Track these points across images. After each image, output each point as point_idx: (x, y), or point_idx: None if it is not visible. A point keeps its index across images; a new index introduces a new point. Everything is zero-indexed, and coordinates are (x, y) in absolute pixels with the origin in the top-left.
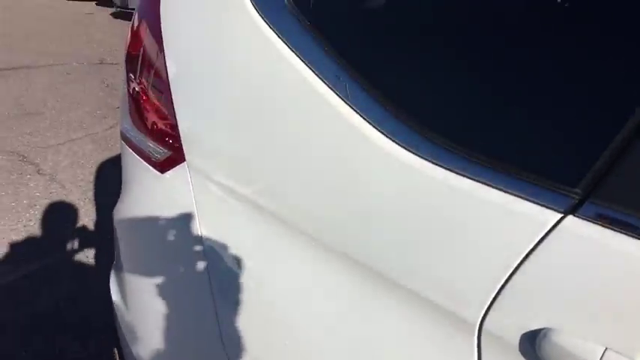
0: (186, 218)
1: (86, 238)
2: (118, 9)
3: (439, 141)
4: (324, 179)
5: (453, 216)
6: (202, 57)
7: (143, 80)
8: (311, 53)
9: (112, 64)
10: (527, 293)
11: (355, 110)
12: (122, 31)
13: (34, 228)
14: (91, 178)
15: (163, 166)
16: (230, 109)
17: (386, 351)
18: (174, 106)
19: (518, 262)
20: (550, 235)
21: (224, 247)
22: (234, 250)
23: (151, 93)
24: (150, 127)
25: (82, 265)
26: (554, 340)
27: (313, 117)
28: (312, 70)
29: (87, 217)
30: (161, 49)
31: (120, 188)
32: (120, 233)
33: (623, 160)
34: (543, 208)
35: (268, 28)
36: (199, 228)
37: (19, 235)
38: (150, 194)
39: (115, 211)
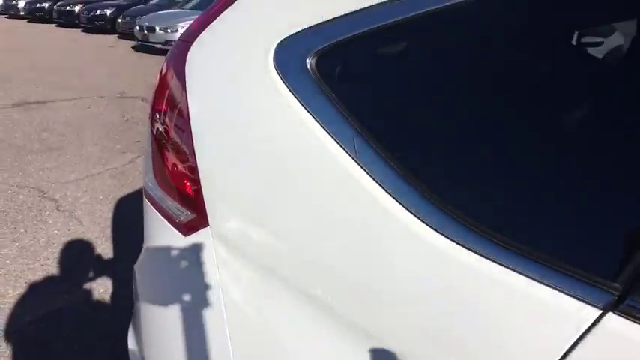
0: (208, 285)
1: (103, 278)
2: (139, 42)
3: (473, 227)
4: (350, 255)
5: (486, 307)
6: (225, 121)
7: (162, 135)
8: (333, 123)
9: (133, 97)
10: None
11: (381, 186)
12: (143, 63)
13: (52, 267)
14: (110, 215)
15: (186, 229)
16: (254, 177)
17: None
18: (199, 171)
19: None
20: (589, 333)
21: (247, 317)
22: (257, 321)
23: (173, 154)
24: (173, 187)
25: (98, 308)
26: None
27: (336, 190)
28: (335, 141)
29: (105, 257)
30: (185, 108)
31: (142, 240)
32: (140, 290)
33: None
34: (582, 304)
35: (289, 91)
36: (222, 296)
37: (36, 275)
38: (173, 256)
39: (136, 266)
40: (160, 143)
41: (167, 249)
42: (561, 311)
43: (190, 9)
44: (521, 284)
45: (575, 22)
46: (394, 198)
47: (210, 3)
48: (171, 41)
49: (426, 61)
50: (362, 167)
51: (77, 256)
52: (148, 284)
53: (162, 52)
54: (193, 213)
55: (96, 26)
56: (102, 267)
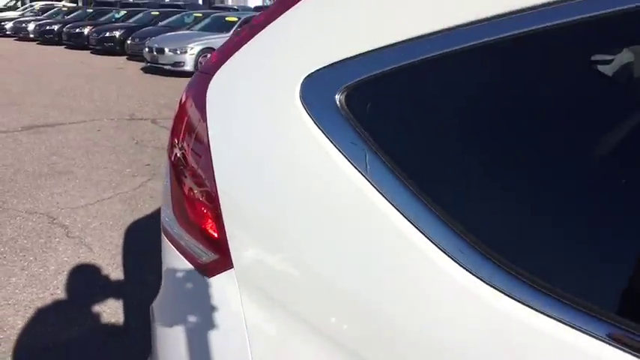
0: (234, 333)
1: (115, 308)
2: (149, 64)
3: (519, 274)
4: (386, 302)
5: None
6: (251, 157)
7: (181, 170)
8: (362, 160)
9: (142, 119)
10: None
11: (422, 232)
12: (152, 85)
13: (62, 296)
14: (120, 241)
15: (209, 271)
16: (282, 216)
17: None
18: (222, 212)
19: None
20: None
21: None
22: None
23: (195, 192)
24: (194, 225)
25: (110, 340)
26: None
27: (372, 233)
28: (368, 180)
29: (116, 285)
30: (206, 143)
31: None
32: (159, 333)
33: None
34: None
35: (317, 128)
36: (248, 347)
37: (46, 305)
38: (194, 297)
39: (154, 305)
40: (179, 178)
41: (188, 291)
42: None
43: (199, 30)
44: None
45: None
46: (434, 243)
47: (218, 25)
48: (181, 62)
49: (461, 96)
50: (397, 208)
51: (88, 285)
52: (168, 327)
53: (171, 74)
54: (216, 253)
55: (105, 48)
56: (114, 296)
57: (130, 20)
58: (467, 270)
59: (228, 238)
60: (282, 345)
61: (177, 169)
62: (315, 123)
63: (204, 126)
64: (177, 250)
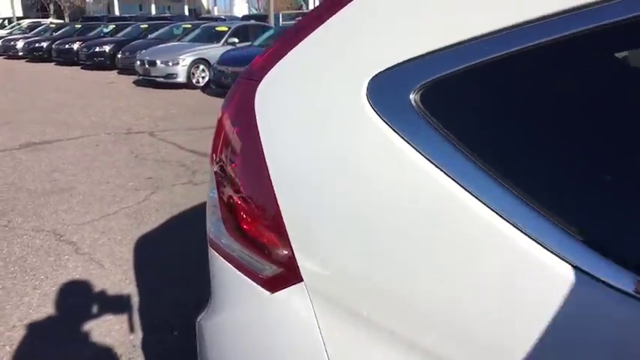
0: (307, 344)
1: (131, 324)
2: (141, 76)
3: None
4: (472, 307)
5: None
6: (314, 163)
7: (232, 179)
8: (449, 160)
9: (140, 132)
10: None
11: (525, 233)
12: (145, 98)
13: (76, 316)
14: (131, 256)
15: (273, 285)
16: (355, 223)
17: None
18: (284, 220)
19: None
20: None
21: None
22: None
23: (244, 195)
24: (251, 238)
25: (127, 354)
26: None
27: (465, 237)
28: (456, 182)
29: (130, 301)
30: (259, 151)
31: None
32: (214, 349)
33: None
34: None
35: (392, 130)
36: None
37: (60, 325)
38: (257, 315)
39: (203, 322)
40: (228, 190)
41: (250, 309)
42: None
43: (190, 41)
44: None
45: None
46: (537, 242)
47: (209, 35)
48: (174, 74)
49: (540, 91)
50: (488, 206)
51: (102, 302)
52: (225, 344)
53: (164, 86)
54: (280, 267)
55: (95, 63)
56: (128, 312)
57: (119, 34)
58: (575, 267)
59: (295, 251)
60: (365, 355)
61: (225, 181)
62: (389, 125)
63: (255, 135)
64: (232, 264)
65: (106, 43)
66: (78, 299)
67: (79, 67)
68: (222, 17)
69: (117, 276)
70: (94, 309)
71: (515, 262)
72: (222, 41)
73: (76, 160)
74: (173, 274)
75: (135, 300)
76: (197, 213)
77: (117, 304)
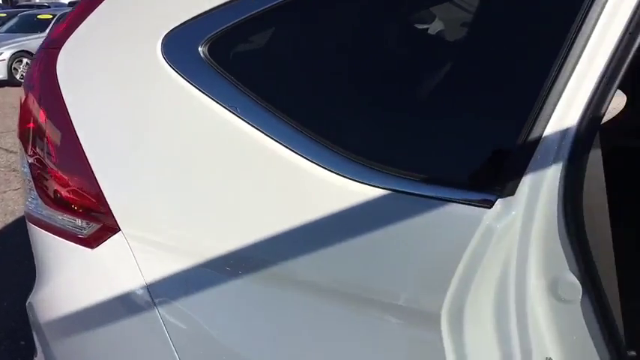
0: (135, 292)
1: None
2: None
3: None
4: (269, 216)
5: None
6: (118, 119)
7: (42, 152)
8: (235, 101)
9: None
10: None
11: (295, 152)
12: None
13: None
14: None
15: (93, 241)
16: (161, 169)
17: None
18: (96, 174)
19: (460, 254)
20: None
21: (181, 310)
22: (193, 310)
23: (55, 163)
24: (66, 202)
25: None
26: None
27: (251, 165)
28: (243, 119)
29: None
30: (67, 119)
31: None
32: (48, 323)
33: None
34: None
35: (185, 80)
36: (151, 299)
37: None
38: (82, 274)
39: (32, 300)
40: (40, 162)
41: (75, 270)
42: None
43: (6, 32)
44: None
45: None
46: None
47: (30, 24)
48: None
49: (305, 38)
50: (272, 138)
51: None
52: (57, 315)
53: None
54: (98, 222)
55: None
56: None
57: None
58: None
59: (110, 205)
60: (185, 287)
61: (37, 153)
62: (182, 76)
63: (60, 101)
64: (52, 232)
65: None
66: None
67: None
68: (46, 4)
69: None
70: None
71: (294, 178)
72: (48, 30)
73: None
74: (12, 283)
75: None
76: None
77: None
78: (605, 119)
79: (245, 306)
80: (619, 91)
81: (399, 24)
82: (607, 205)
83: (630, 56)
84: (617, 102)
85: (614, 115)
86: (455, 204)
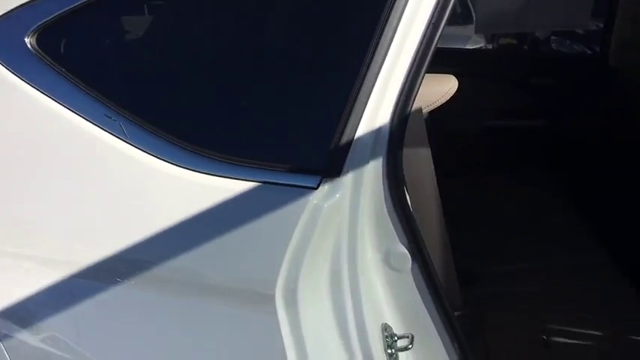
0: None
1: None
2: None
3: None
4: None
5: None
6: None
7: None
8: (59, 90)
9: None
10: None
11: (134, 146)
12: None
13: None
14: None
15: None
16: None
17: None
18: None
19: (290, 235)
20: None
21: (19, 316)
22: (28, 317)
23: None
24: None
25: None
26: None
27: (89, 159)
28: (65, 106)
29: None
30: None
31: None
32: None
33: None
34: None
35: (8, 71)
36: None
37: None
38: None
39: None
40: None
41: None
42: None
43: None
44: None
45: None
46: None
47: None
48: None
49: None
50: (93, 123)
51: None
52: None
53: None
54: None
55: None
56: None
57: None
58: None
59: None
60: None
61: None
62: (7, 68)
63: None
64: None
65: None
66: None
67: None
68: None
69: None
70: None
71: (128, 171)
72: None
73: None
74: None
75: None
76: None
77: None
78: (439, 102)
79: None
80: (451, 76)
81: (215, 16)
82: (435, 179)
83: (434, 46)
84: (450, 86)
85: (448, 98)
86: (283, 187)
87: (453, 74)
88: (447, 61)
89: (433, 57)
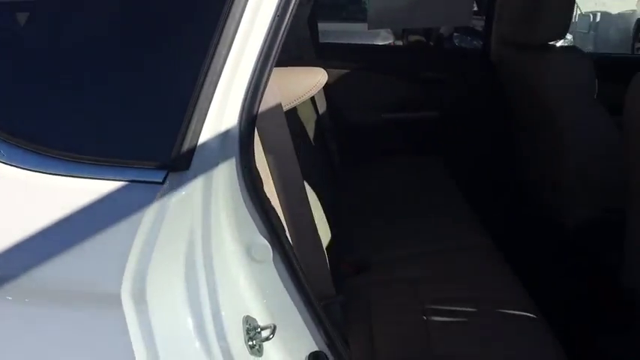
0: None
1: None
2: None
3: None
4: None
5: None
6: None
7: None
8: None
9: None
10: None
11: None
12: None
13: None
14: None
15: None
16: None
17: None
18: None
19: (134, 232)
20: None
21: None
22: None
23: None
24: None
25: None
26: None
27: None
28: None
29: None
30: None
31: None
32: None
33: None
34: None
35: None
36: None
37: None
38: None
39: None
40: None
41: None
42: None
43: None
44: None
45: None
46: None
47: None
48: None
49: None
50: None
51: None
52: None
53: None
54: None
55: None
56: None
57: None
58: None
59: None
60: None
61: None
62: None
63: None
64: None
65: None
66: None
67: None
68: None
69: None
70: None
71: None
72: None
73: None
74: None
75: None
76: None
77: None
78: (308, 95)
79: None
80: (320, 69)
81: (53, 12)
82: (298, 169)
83: (280, 39)
84: (318, 79)
85: (317, 91)
86: (127, 183)
87: (354, 69)
88: (349, 56)
89: (279, 49)
